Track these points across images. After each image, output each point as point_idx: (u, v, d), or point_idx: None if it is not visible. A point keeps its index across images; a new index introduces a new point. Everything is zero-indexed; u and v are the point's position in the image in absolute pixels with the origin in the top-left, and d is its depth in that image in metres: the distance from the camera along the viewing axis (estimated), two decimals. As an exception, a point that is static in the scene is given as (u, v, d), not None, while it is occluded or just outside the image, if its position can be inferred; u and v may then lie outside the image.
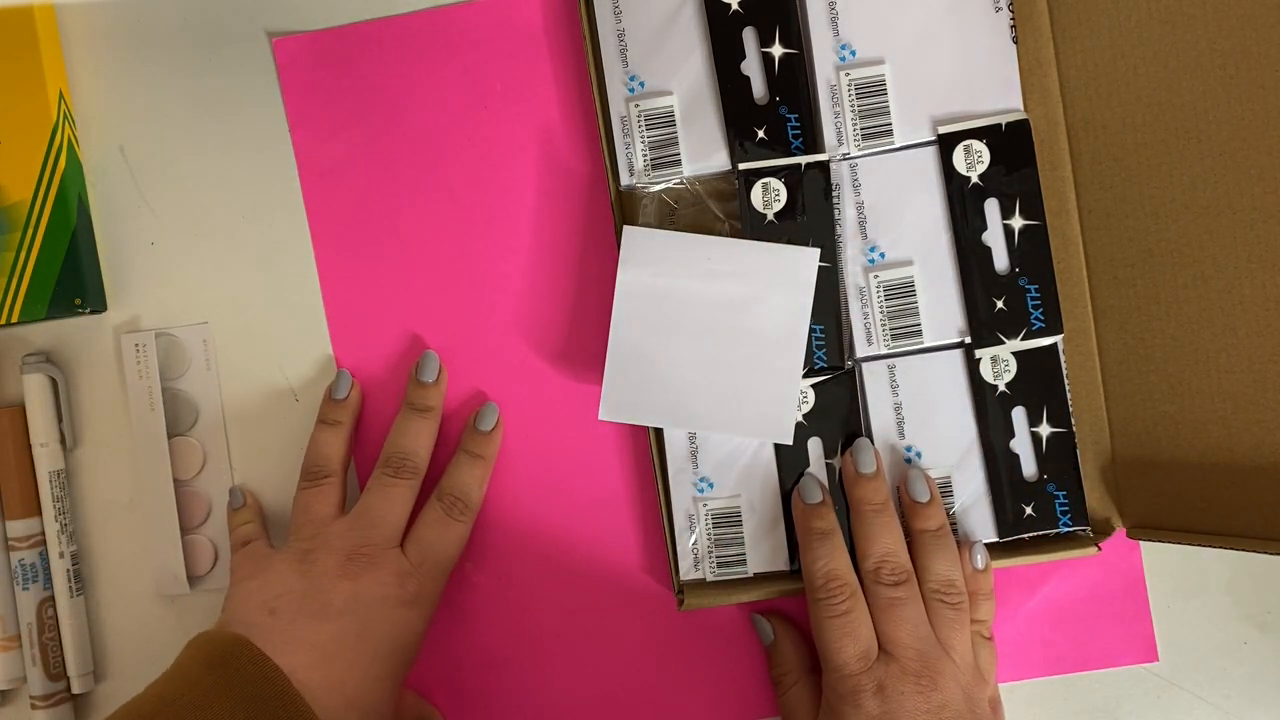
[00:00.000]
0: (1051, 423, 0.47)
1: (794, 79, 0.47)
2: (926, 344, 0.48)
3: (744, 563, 0.48)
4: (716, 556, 0.48)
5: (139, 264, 0.51)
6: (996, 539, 0.48)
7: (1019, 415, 0.47)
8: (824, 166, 0.47)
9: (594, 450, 0.50)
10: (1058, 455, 0.47)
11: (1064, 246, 0.48)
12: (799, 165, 0.47)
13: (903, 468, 0.48)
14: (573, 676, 0.50)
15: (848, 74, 0.47)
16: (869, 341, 0.48)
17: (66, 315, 0.49)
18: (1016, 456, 0.48)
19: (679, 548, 0.48)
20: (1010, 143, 0.47)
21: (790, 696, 0.47)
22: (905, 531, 0.46)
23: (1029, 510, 0.48)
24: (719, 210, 0.48)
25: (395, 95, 0.50)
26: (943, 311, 0.47)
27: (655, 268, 0.46)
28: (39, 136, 0.49)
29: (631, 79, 0.48)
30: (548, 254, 0.50)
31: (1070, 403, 0.48)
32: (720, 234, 0.48)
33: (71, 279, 0.49)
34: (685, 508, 0.48)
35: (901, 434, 0.48)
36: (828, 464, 0.48)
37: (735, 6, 0.47)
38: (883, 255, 0.48)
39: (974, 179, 0.47)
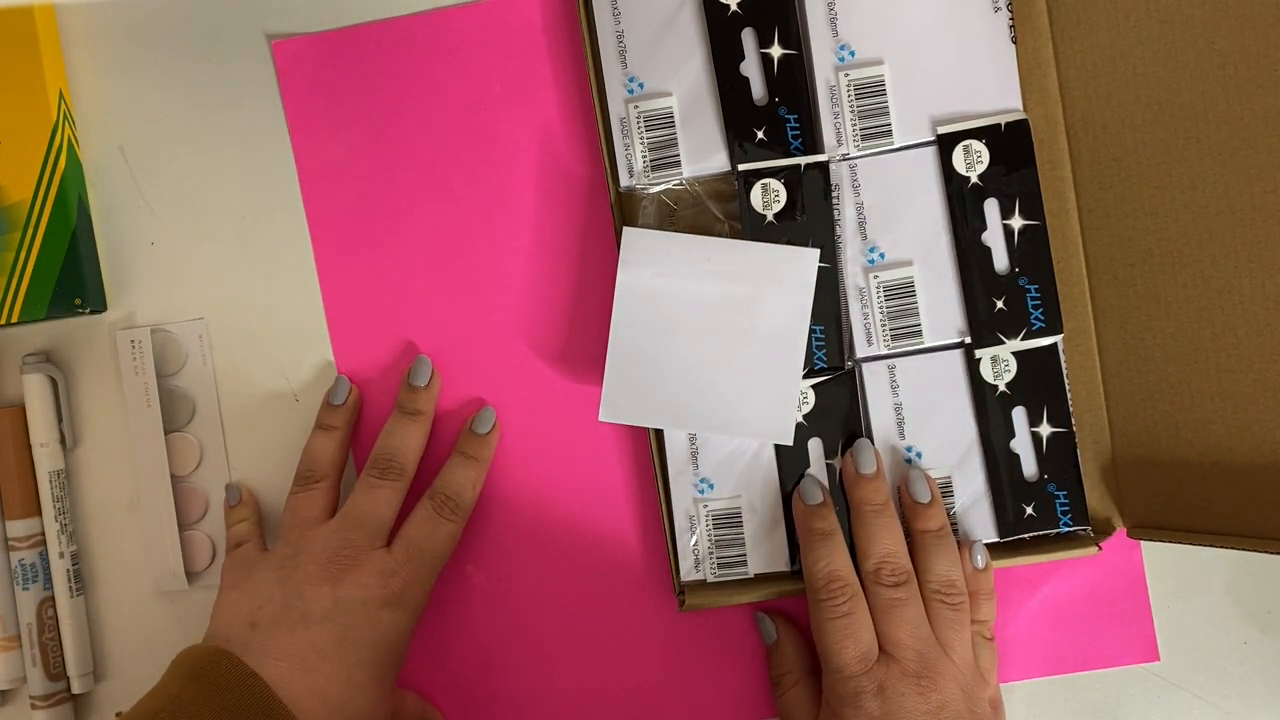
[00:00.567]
0: (1052, 423, 0.47)
1: (793, 80, 0.47)
2: (926, 344, 0.48)
3: (745, 563, 0.48)
4: (717, 557, 0.48)
5: (139, 264, 0.51)
6: (997, 539, 0.48)
7: (1019, 415, 0.47)
8: (823, 167, 0.47)
9: (594, 451, 0.50)
10: (1058, 455, 0.47)
11: (1064, 246, 0.48)
12: (798, 166, 0.47)
13: (903, 468, 0.48)
14: (573, 677, 0.50)
15: (847, 74, 0.47)
16: (869, 342, 0.48)
17: (66, 315, 0.49)
18: (1017, 456, 0.48)
19: (679, 548, 0.48)
20: (1010, 143, 0.47)
21: (790, 697, 0.47)
22: (906, 532, 0.46)
23: (1029, 510, 0.48)
24: (719, 211, 0.48)
25: (395, 97, 0.50)
26: (943, 312, 0.47)
27: (655, 268, 0.46)
28: (39, 136, 0.49)
29: (631, 80, 0.48)
30: (548, 255, 0.50)
31: (1070, 403, 0.48)
32: (720, 235, 0.48)
33: (71, 279, 0.49)
34: (686, 508, 0.48)
35: (902, 434, 0.48)
36: (828, 464, 0.48)
37: (734, 7, 0.47)
38: (883, 256, 0.48)
39: (973, 179, 0.47)
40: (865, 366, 0.48)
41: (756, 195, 0.47)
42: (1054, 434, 0.47)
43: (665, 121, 0.48)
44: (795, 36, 0.47)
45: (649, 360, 0.46)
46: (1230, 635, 0.49)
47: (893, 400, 0.48)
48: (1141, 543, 0.49)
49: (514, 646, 0.50)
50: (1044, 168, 0.48)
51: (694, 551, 0.48)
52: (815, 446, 0.48)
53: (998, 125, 0.47)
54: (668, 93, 0.48)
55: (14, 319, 0.49)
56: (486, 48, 0.50)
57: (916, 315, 0.47)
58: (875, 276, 0.47)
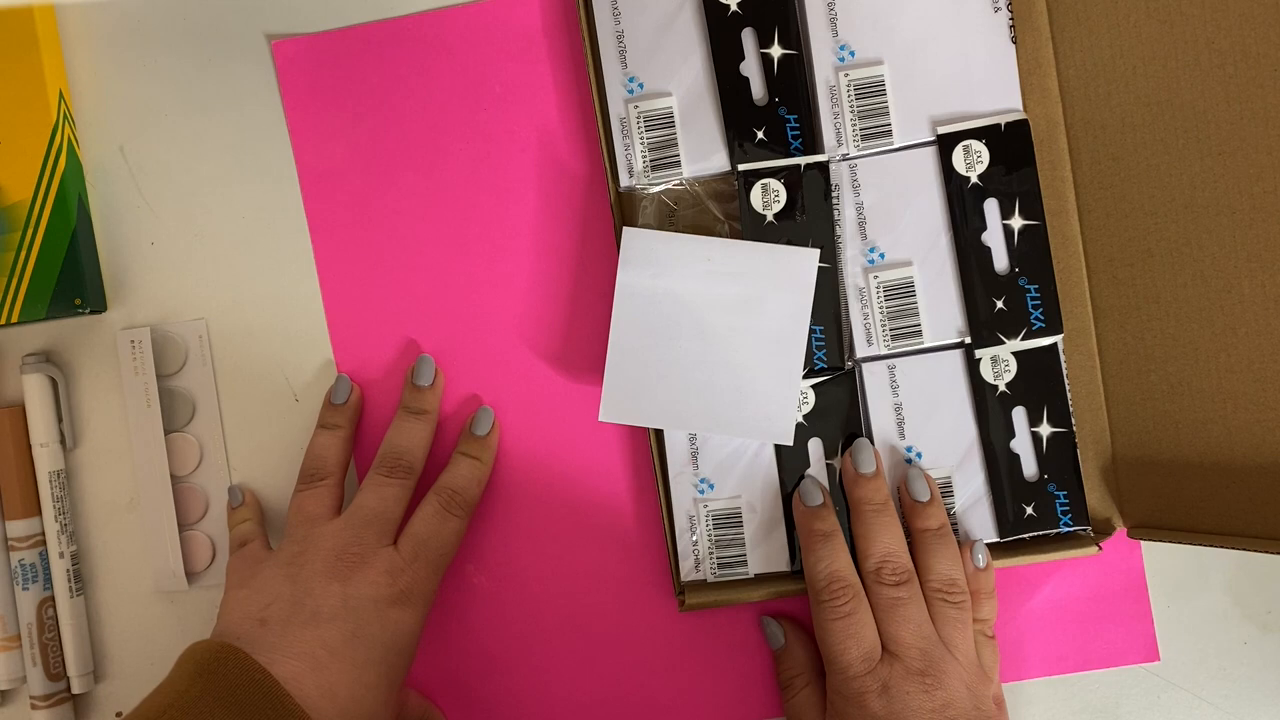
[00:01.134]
0: (1052, 423, 0.47)
1: (793, 80, 0.47)
2: (926, 344, 0.48)
3: (745, 563, 0.48)
4: (717, 557, 0.48)
5: (139, 264, 0.51)
6: (997, 539, 0.48)
7: (1019, 415, 0.48)
8: (823, 167, 0.47)
9: (594, 451, 0.50)
10: (1058, 455, 0.47)
11: (1064, 246, 0.48)
12: (798, 166, 0.47)
13: (903, 468, 0.48)
14: (573, 677, 0.50)
15: (847, 75, 0.47)
16: (869, 342, 0.48)
17: (66, 315, 0.49)
18: (1017, 456, 0.48)
19: (680, 548, 0.48)
20: (1009, 143, 0.47)
21: (800, 699, 0.47)
22: (906, 531, 0.46)
23: (1030, 510, 0.48)
24: (719, 211, 0.48)
25: (394, 97, 0.50)
26: (943, 312, 0.47)
27: (655, 269, 0.46)
28: (39, 136, 0.49)
29: (630, 80, 0.48)
30: (548, 255, 0.50)
31: (1070, 403, 0.48)
32: (720, 235, 0.48)
33: (71, 279, 0.49)
34: (686, 508, 0.48)
35: (902, 434, 0.48)
36: (828, 464, 0.48)
37: (734, 8, 0.47)
38: (882, 256, 0.48)
39: (973, 179, 0.47)
40: (865, 366, 0.48)
41: (756, 195, 0.47)
42: (1054, 434, 0.47)
43: (665, 121, 0.48)
44: (795, 36, 0.47)
45: (649, 360, 0.46)
46: (1230, 635, 0.49)
47: (893, 400, 0.48)
48: (1141, 543, 0.49)
49: (514, 646, 0.50)
50: (1044, 168, 0.48)
51: (694, 551, 0.48)
52: (815, 446, 0.48)
53: (998, 125, 0.47)
54: (668, 93, 0.48)
55: (14, 319, 0.49)
56: (486, 48, 0.50)
57: (916, 315, 0.47)
58: (875, 276, 0.47)
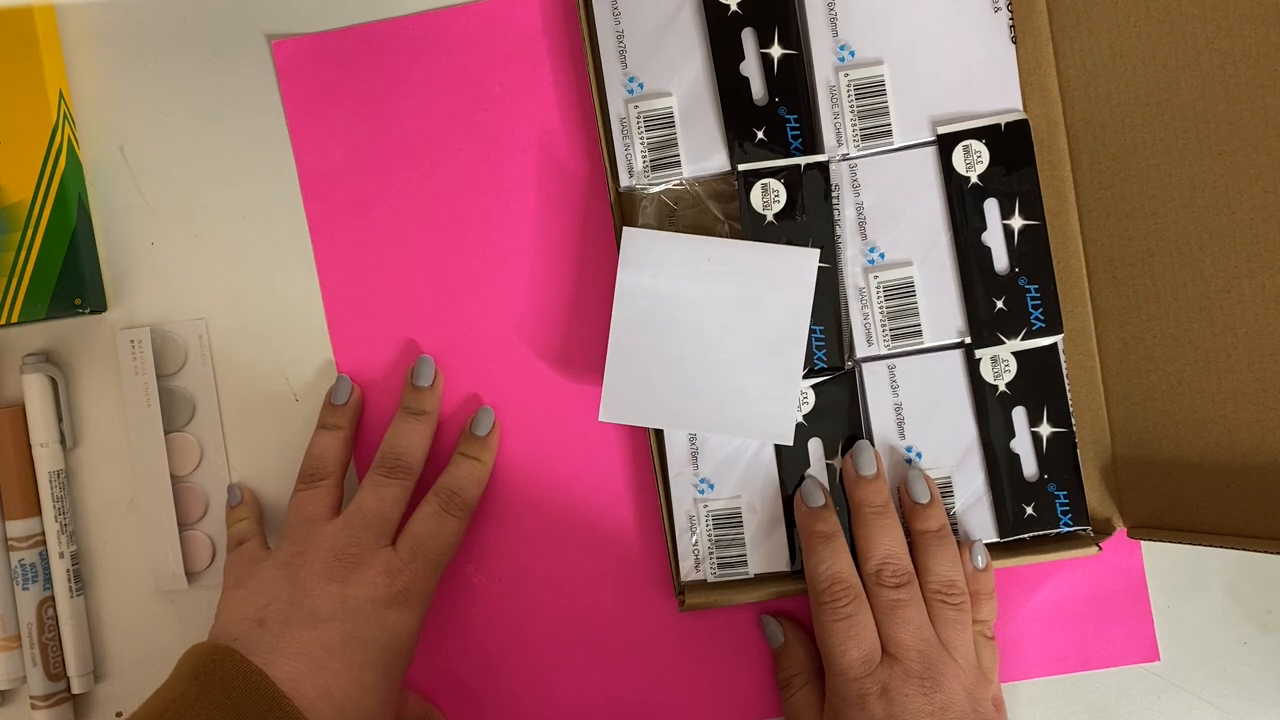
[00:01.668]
0: (1052, 423, 0.47)
1: (793, 80, 0.47)
2: (926, 344, 0.48)
3: (745, 563, 0.48)
4: (717, 557, 0.48)
5: (139, 264, 0.51)
6: (997, 539, 0.48)
7: (1019, 415, 0.47)
8: (823, 167, 0.47)
9: (594, 451, 0.50)
10: (1058, 455, 0.47)
11: (1064, 246, 0.48)
12: (798, 166, 0.47)
13: (903, 468, 0.48)
14: (573, 677, 0.50)
15: (847, 75, 0.47)
16: (869, 342, 0.48)
17: (66, 315, 0.49)
18: (1017, 456, 0.48)
19: (680, 548, 0.48)
20: (1009, 143, 0.47)
21: (799, 698, 0.47)
22: (906, 532, 0.46)
23: (1030, 510, 0.48)
24: (719, 211, 0.48)
25: (394, 97, 0.50)
26: (943, 312, 0.47)
27: (655, 269, 0.46)
28: (39, 136, 0.49)
29: (630, 80, 0.48)
30: (548, 255, 0.50)
31: (1070, 403, 0.48)
32: (720, 235, 0.48)
33: (71, 279, 0.49)
34: (686, 508, 0.48)
35: (902, 435, 0.48)
36: (828, 465, 0.48)
37: (734, 8, 0.47)
38: (882, 255, 0.48)
39: (973, 179, 0.47)
40: (865, 366, 0.48)
41: (756, 195, 0.47)
42: (1054, 434, 0.47)
43: (665, 121, 0.48)
44: (795, 36, 0.47)
45: (649, 360, 0.46)
46: (1230, 635, 0.49)
47: (893, 400, 0.48)
48: (1141, 543, 0.49)
49: (514, 646, 0.50)
50: (1044, 168, 0.48)
51: (694, 551, 0.48)
52: (815, 447, 0.48)
53: (998, 125, 0.47)
54: (668, 93, 0.48)
55: (14, 319, 0.49)
56: (486, 48, 0.50)
57: (916, 315, 0.47)
58: (875, 276, 0.47)
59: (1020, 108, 0.47)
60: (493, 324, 0.50)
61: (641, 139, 0.48)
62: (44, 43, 0.49)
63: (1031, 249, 0.47)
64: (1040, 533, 0.48)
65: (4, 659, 0.50)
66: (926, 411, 0.48)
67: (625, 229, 0.46)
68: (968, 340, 0.47)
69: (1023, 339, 0.47)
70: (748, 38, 0.47)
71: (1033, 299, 0.47)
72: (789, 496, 0.48)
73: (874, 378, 0.48)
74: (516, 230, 0.50)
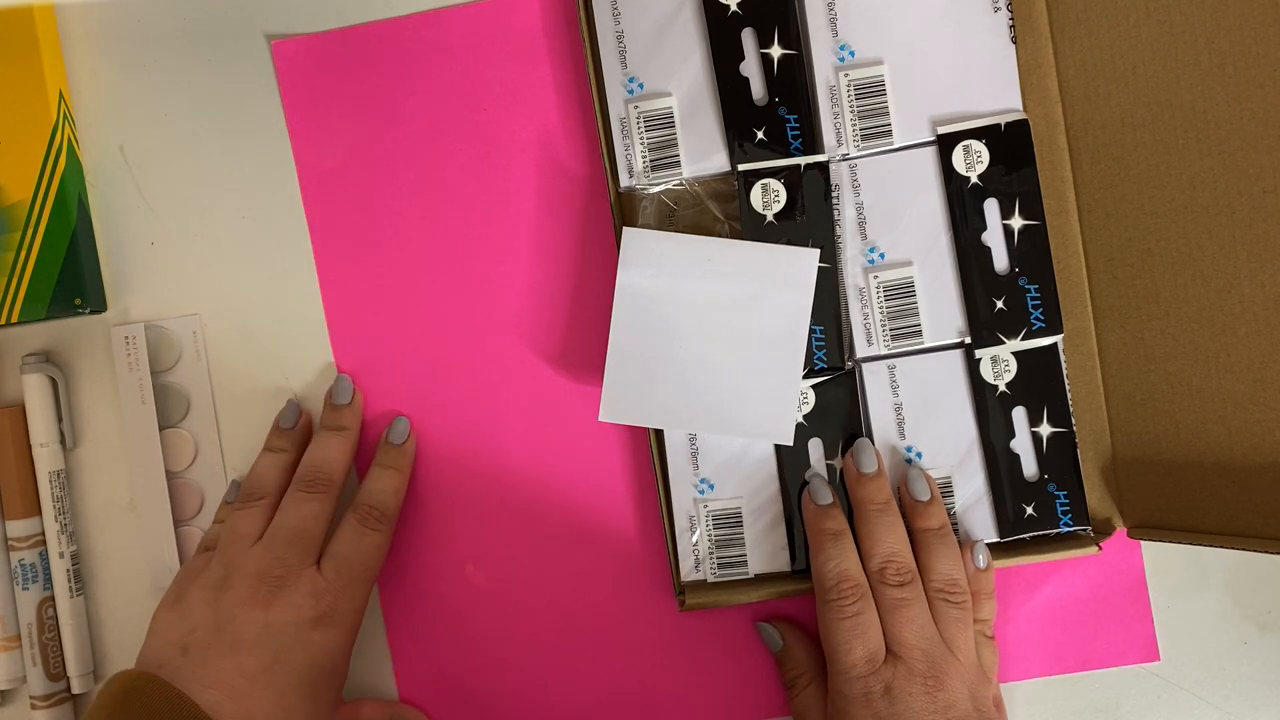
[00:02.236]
0: (1052, 423, 0.47)
1: (793, 80, 0.47)
2: (926, 344, 0.48)
3: (745, 563, 0.48)
4: (717, 557, 0.48)
5: (139, 264, 0.51)
6: (997, 539, 0.48)
7: (1019, 415, 0.47)
8: (823, 167, 0.47)
9: (594, 451, 0.50)
10: (1058, 455, 0.47)
11: (1064, 246, 0.48)
12: (798, 166, 0.47)
13: (903, 468, 0.48)
14: (573, 677, 0.50)
15: (847, 75, 0.47)
16: (869, 342, 0.48)
17: (66, 315, 0.49)
18: (1017, 456, 0.48)
19: (680, 548, 0.48)
20: (1009, 143, 0.47)
21: (804, 697, 0.47)
22: (907, 531, 0.46)
23: (1030, 510, 0.48)
24: (719, 211, 0.48)
25: (394, 98, 0.50)
26: (943, 312, 0.47)
27: (655, 269, 0.46)
28: (39, 136, 0.49)
29: (630, 80, 0.48)
30: (548, 255, 0.50)
31: (1070, 403, 0.48)
32: (720, 235, 0.48)
33: (71, 279, 0.49)
34: (686, 509, 0.48)
35: (902, 434, 0.48)
36: (828, 465, 0.48)
37: (734, 8, 0.47)
38: (882, 256, 0.48)
39: (973, 179, 0.47)
40: (865, 366, 0.48)
41: (756, 195, 0.47)
42: (1054, 434, 0.47)
43: (665, 121, 0.48)
44: (795, 36, 0.47)
45: (649, 360, 0.46)
46: (1230, 635, 0.49)
47: (893, 400, 0.48)
48: (1141, 543, 0.49)
49: (514, 646, 0.50)
50: (1044, 168, 0.48)
51: (694, 551, 0.48)
52: (815, 447, 0.48)
53: (998, 125, 0.47)
54: (668, 93, 0.48)
55: (14, 319, 0.49)
56: (486, 48, 0.50)
57: (916, 315, 0.47)
58: (875, 276, 0.47)
59: (1020, 108, 0.47)
60: (493, 324, 0.50)
61: (641, 139, 0.48)
62: (44, 43, 0.49)
63: (1031, 249, 0.47)
64: (1040, 533, 0.48)
65: (4, 659, 0.50)
66: (926, 411, 0.48)
67: (625, 229, 0.46)
68: (968, 340, 0.47)
69: (1023, 339, 0.47)
70: (748, 38, 0.47)
71: (1033, 299, 0.47)
72: (789, 497, 0.48)
73: (874, 378, 0.48)
74: (516, 230, 0.50)
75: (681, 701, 0.50)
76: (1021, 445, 0.48)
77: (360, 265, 0.50)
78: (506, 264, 0.50)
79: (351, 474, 0.50)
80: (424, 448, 0.50)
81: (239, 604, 0.43)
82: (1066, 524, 0.48)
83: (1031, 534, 0.48)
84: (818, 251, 0.46)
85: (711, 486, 0.48)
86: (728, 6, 0.47)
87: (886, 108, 0.47)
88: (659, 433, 0.49)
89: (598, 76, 0.48)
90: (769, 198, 0.47)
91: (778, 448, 0.48)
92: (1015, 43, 0.47)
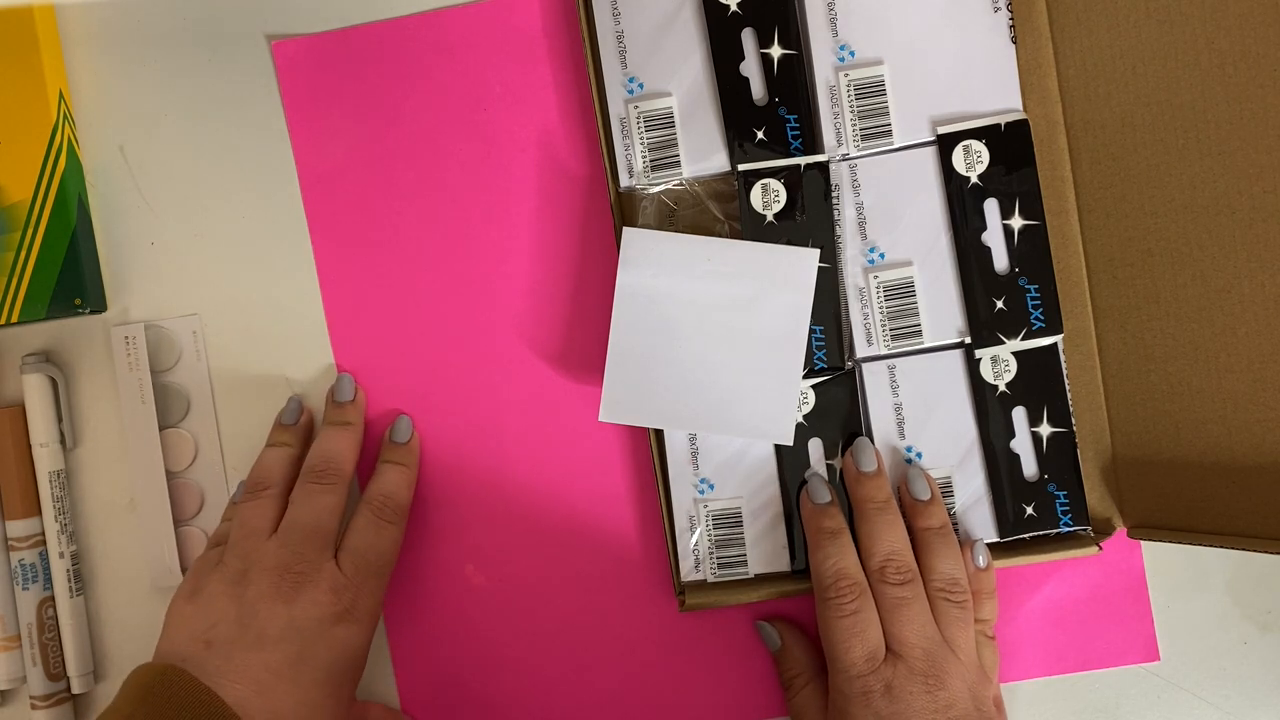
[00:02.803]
0: (1052, 423, 0.47)
1: (793, 80, 0.47)
2: (926, 344, 0.48)
3: (745, 563, 0.48)
4: (717, 557, 0.48)
5: (139, 264, 0.51)
6: (997, 539, 0.48)
7: (1019, 415, 0.48)
8: (823, 167, 0.47)
9: (594, 451, 0.50)
10: (1058, 455, 0.47)
11: (1064, 246, 0.48)
12: (798, 166, 0.47)
13: (903, 468, 0.48)
14: (573, 677, 0.50)
15: (847, 75, 0.47)
16: (869, 342, 0.48)
17: (66, 315, 0.49)
18: (1017, 456, 0.48)
19: (680, 548, 0.48)
20: (1009, 143, 0.47)
21: (802, 698, 0.47)
22: (907, 531, 0.46)
23: (1030, 510, 0.48)
24: (718, 211, 0.48)
25: (394, 98, 0.50)
26: (943, 312, 0.47)
27: (655, 269, 0.46)
28: (39, 136, 0.49)
29: (630, 80, 0.48)
30: (548, 255, 0.50)
31: (1070, 403, 0.48)
32: (720, 235, 0.48)
33: (71, 279, 0.49)
34: (686, 508, 0.48)
35: (902, 434, 0.48)
36: (828, 465, 0.48)
37: (734, 8, 0.47)
38: (882, 256, 0.48)
39: (973, 179, 0.47)
40: (865, 366, 0.48)
41: (756, 195, 0.47)
42: (1054, 434, 0.47)
43: (665, 121, 0.48)
44: (795, 36, 0.47)
45: (649, 360, 0.46)
46: (1230, 635, 0.49)
47: (893, 400, 0.48)
48: (1141, 543, 0.49)
49: (514, 646, 0.50)
50: (1044, 168, 0.48)
51: (694, 551, 0.48)
52: (815, 447, 0.48)
53: (998, 125, 0.47)
54: (668, 93, 0.48)
55: (14, 319, 0.49)
56: (486, 48, 0.50)
57: (916, 315, 0.47)
58: (875, 276, 0.47)
59: (1020, 108, 0.47)
60: (493, 324, 0.50)
61: (641, 139, 0.48)
62: (44, 43, 0.49)
63: (1031, 249, 0.47)
64: (1040, 533, 0.48)
65: (4, 659, 0.50)
66: (926, 411, 0.48)
67: (625, 229, 0.46)
68: (968, 340, 0.47)
69: (1023, 339, 0.47)
70: (748, 38, 0.47)
71: (1033, 299, 0.47)
72: (789, 496, 0.48)
73: (874, 378, 0.48)
74: (516, 230, 0.50)
75: (681, 701, 0.50)
76: (1021, 445, 0.48)
77: (360, 265, 0.50)
78: (506, 264, 0.50)
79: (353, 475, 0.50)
80: (424, 448, 0.50)
81: (261, 599, 0.43)
82: (1066, 524, 0.48)
83: (1031, 534, 0.48)
84: (818, 251, 0.46)
85: (711, 486, 0.48)
86: (728, 6, 0.47)
87: (886, 108, 0.47)
88: (659, 433, 0.49)
89: (598, 76, 0.48)
90: (769, 198, 0.47)
91: (778, 448, 0.48)
92: (1015, 43, 0.47)
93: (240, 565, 0.44)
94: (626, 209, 0.49)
